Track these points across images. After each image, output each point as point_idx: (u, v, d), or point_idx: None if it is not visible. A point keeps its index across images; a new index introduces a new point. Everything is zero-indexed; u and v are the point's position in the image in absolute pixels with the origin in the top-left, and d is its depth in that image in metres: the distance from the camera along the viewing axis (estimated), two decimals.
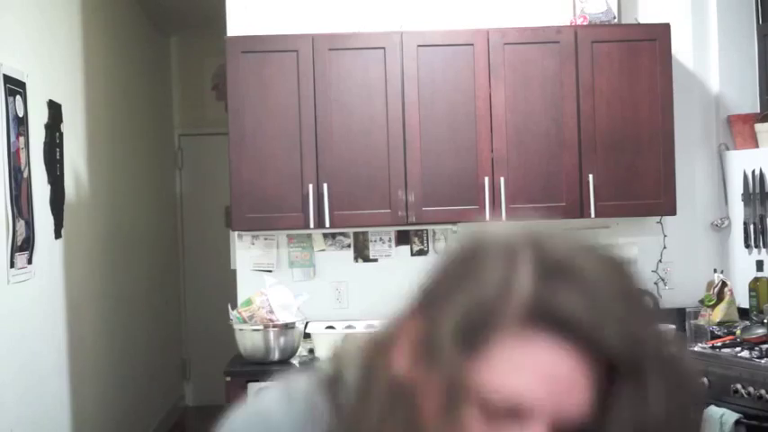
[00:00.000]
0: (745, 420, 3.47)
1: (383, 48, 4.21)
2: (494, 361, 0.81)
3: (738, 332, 3.90)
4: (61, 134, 4.54)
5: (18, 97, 3.87)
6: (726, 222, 4.55)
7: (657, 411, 0.80)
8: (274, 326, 3.93)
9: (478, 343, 0.81)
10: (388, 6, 4.54)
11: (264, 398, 0.95)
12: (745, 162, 4.43)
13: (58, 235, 4.42)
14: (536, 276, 0.81)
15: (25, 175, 3.94)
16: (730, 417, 3.50)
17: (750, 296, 4.19)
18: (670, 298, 4.51)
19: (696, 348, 3.85)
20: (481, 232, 0.88)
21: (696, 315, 4.13)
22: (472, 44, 4.22)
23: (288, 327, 3.96)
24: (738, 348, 3.73)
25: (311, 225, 4.17)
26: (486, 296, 0.81)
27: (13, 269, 3.75)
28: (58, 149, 4.48)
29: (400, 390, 0.85)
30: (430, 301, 0.86)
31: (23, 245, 3.88)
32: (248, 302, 4.03)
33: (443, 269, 0.87)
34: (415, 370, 0.84)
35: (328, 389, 0.92)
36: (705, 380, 3.68)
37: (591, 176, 4.20)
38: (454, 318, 0.82)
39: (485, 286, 0.82)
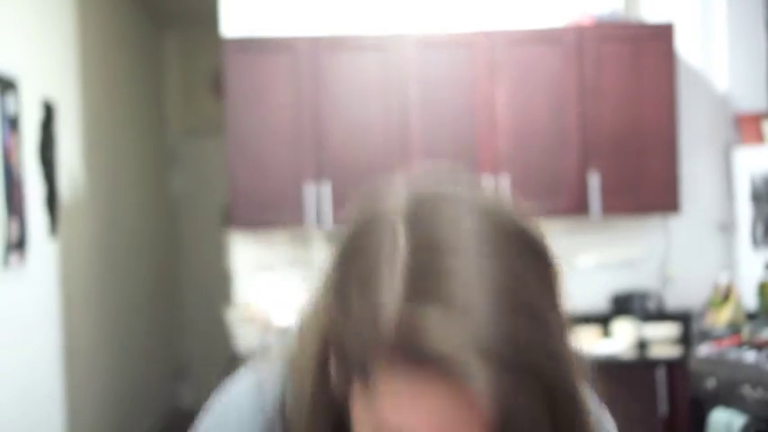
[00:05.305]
0: (753, 423, 3.42)
1: (384, 50, 4.17)
2: (375, 393, 0.76)
3: (745, 334, 3.84)
4: (55, 133, 4.47)
5: (11, 96, 3.81)
6: (733, 222, 4.49)
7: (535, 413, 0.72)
8: (272, 326, 3.90)
9: (363, 373, 0.76)
10: (389, 8, 4.47)
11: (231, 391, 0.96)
12: (752, 161, 4.40)
13: (52, 235, 4.36)
14: (403, 298, 0.73)
15: (18, 174, 3.88)
16: (738, 419, 3.45)
17: (760, 297, 4.12)
18: (675, 299, 4.48)
19: (702, 351, 3.79)
20: (362, 207, 0.84)
21: (702, 316, 4.08)
22: (473, 46, 4.19)
23: (286, 327, 3.91)
24: (745, 350, 3.67)
25: (310, 224, 4.13)
26: (357, 326, 0.76)
27: (6, 269, 3.70)
28: (52, 148, 4.41)
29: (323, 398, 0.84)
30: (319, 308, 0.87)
31: (17, 245, 3.82)
32: (246, 303, 4.00)
33: (332, 266, 0.86)
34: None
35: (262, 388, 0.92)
36: (713, 382, 3.63)
37: (595, 175, 4.19)
38: (339, 347, 0.79)
39: (355, 308, 0.77)
